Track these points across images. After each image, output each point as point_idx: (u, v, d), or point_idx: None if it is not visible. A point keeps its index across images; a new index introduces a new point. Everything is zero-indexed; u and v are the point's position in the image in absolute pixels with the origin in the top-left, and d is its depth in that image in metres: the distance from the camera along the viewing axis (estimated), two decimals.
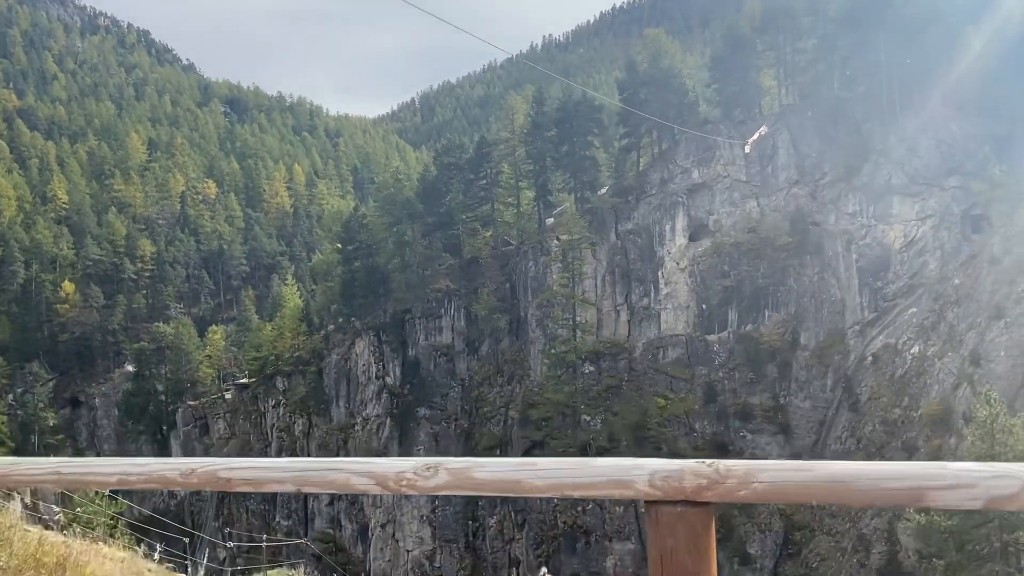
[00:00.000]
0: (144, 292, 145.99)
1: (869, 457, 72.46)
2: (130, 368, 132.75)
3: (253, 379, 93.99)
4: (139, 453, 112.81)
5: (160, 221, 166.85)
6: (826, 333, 79.43)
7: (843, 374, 77.17)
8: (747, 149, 78.73)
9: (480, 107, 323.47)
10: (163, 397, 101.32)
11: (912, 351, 73.78)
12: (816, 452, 77.62)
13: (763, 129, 78.69)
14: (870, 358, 76.69)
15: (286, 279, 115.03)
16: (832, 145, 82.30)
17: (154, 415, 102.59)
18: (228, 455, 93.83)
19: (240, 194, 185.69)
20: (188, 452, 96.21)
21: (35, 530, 13.11)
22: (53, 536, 12.71)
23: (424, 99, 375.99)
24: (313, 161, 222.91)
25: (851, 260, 79.15)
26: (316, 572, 52.28)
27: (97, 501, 19.92)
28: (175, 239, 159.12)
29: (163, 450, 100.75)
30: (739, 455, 77.95)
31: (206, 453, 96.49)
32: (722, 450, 78.02)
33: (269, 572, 23.08)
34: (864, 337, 77.76)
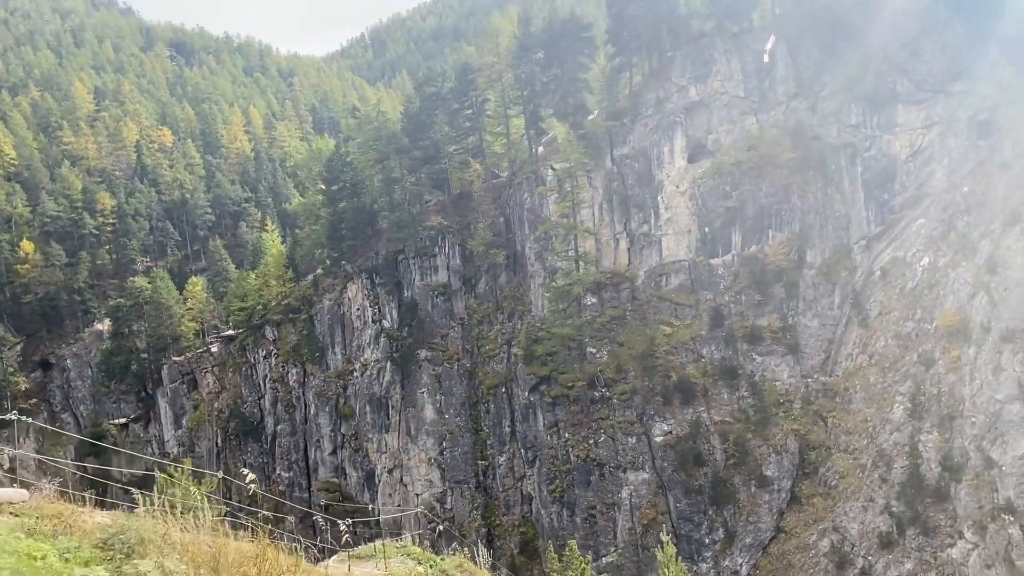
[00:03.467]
0: (107, 247, 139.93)
1: (883, 372, 71.81)
2: (100, 327, 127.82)
3: (240, 330, 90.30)
4: (120, 413, 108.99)
5: (116, 172, 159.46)
6: (832, 250, 77.88)
7: (851, 290, 75.93)
8: (766, 58, 75.57)
9: (434, 39, 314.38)
10: (145, 354, 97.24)
11: (922, 263, 72.57)
12: (826, 370, 76.87)
13: (772, 37, 75.47)
14: (878, 272, 75.43)
15: (265, 225, 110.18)
16: (831, 55, 79.49)
17: (137, 373, 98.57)
18: (220, 409, 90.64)
19: (197, 140, 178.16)
20: (177, 408, 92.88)
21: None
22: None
23: (375, 34, 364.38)
24: (269, 103, 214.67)
25: (856, 173, 77.23)
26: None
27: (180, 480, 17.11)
28: (135, 191, 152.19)
29: (149, 408, 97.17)
30: (749, 378, 76.90)
31: (196, 408, 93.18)
32: (731, 374, 76.90)
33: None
34: (871, 251, 76.38)
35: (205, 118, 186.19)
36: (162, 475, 16.56)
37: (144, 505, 15.95)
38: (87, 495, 12.27)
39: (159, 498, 14.90)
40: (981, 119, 72.40)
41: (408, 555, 20.48)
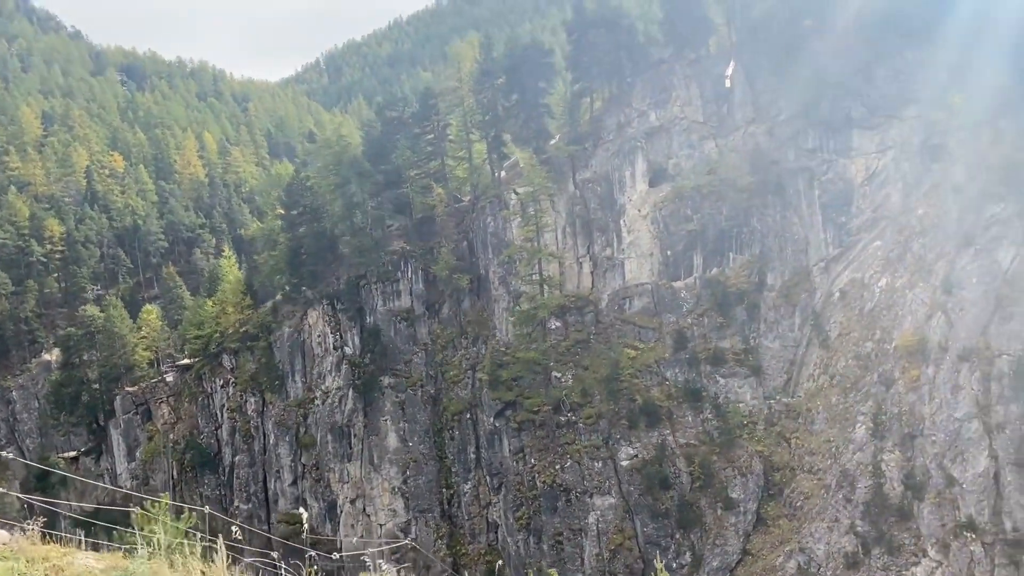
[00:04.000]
0: (56, 275, 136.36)
1: (845, 392, 72.62)
2: (48, 357, 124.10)
3: (196, 359, 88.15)
4: (69, 446, 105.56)
5: (66, 199, 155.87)
6: (791, 272, 78.84)
7: (811, 312, 76.83)
8: (728, 83, 76.59)
9: (390, 65, 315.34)
10: (97, 385, 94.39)
11: (880, 284, 73.78)
12: (788, 391, 77.51)
13: (732, 63, 76.60)
14: (837, 294, 76.50)
15: (222, 251, 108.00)
16: (786, 80, 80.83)
17: (88, 404, 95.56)
18: (176, 441, 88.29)
19: (149, 166, 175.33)
20: (130, 440, 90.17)
21: None
22: None
23: (330, 59, 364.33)
24: (224, 128, 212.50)
25: (813, 197, 78.44)
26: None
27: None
28: (85, 217, 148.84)
29: (101, 440, 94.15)
30: (713, 400, 77.18)
31: (150, 440, 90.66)
32: (695, 396, 77.12)
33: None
34: (830, 273, 77.48)
35: (158, 143, 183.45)
36: (140, 510, 15.68)
37: (121, 542, 15.13)
38: (73, 535, 11.50)
39: (138, 535, 14.06)
40: (933, 143, 74.12)
41: None
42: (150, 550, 13.55)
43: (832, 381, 74.01)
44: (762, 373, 77.55)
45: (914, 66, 75.62)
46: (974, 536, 60.47)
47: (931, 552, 61.80)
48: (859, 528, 65.47)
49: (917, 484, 63.81)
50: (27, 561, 9.71)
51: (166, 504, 15.12)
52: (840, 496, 67.58)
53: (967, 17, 71.36)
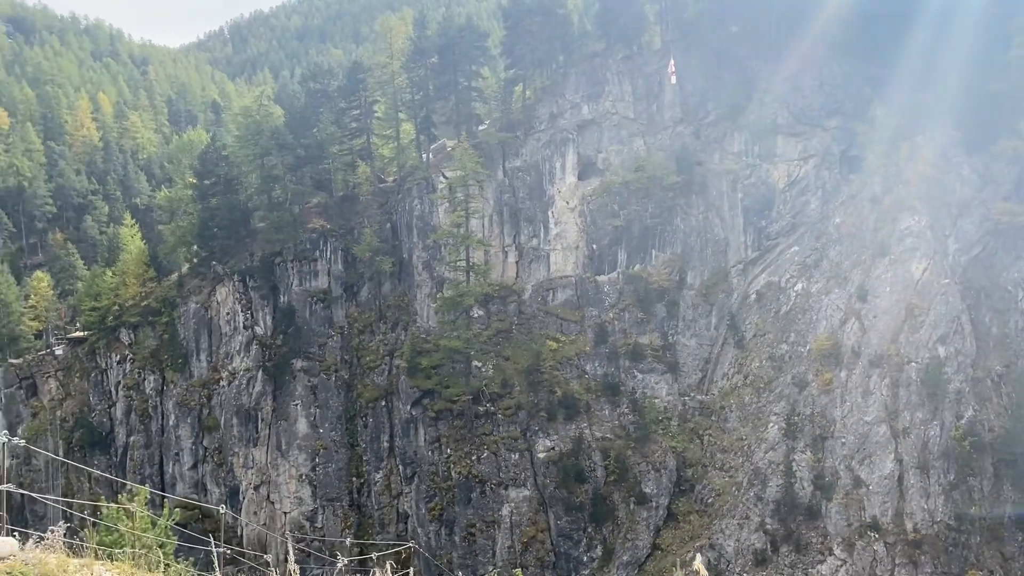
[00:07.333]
0: None
1: (758, 392, 74.13)
2: None
3: (91, 332, 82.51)
4: None
5: None
6: (711, 272, 79.95)
7: (727, 312, 78.13)
8: (673, 79, 76.65)
9: (299, 39, 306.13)
10: None
11: (796, 288, 75.66)
12: (703, 389, 78.68)
13: (672, 60, 76.78)
14: (754, 296, 78.05)
15: (117, 219, 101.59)
16: (716, 83, 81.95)
17: None
18: (63, 418, 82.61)
19: (38, 125, 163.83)
20: (12, 416, 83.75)
21: None
22: None
23: (235, 29, 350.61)
24: (121, 90, 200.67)
25: (736, 199, 79.74)
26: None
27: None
28: None
29: None
30: (631, 395, 77.54)
31: (34, 417, 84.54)
32: (613, 391, 77.31)
33: None
34: (747, 275, 78.97)
35: (47, 101, 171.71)
36: (111, 506, 13.74)
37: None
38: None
39: (111, 532, 12.28)
40: (853, 154, 76.55)
41: None
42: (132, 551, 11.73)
43: (746, 380, 75.46)
44: (678, 370, 78.43)
45: (839, 78, 77.79)
46: (877, 536, 62.76)
47: (836, 551, 63.76)
48: (768, 526, 66.96)
49: (826, 484, 65.73)
50: None
51: (144, 496, 13.26)
52: (751, 494, 68.93)
53: (893, 34, 73.80)
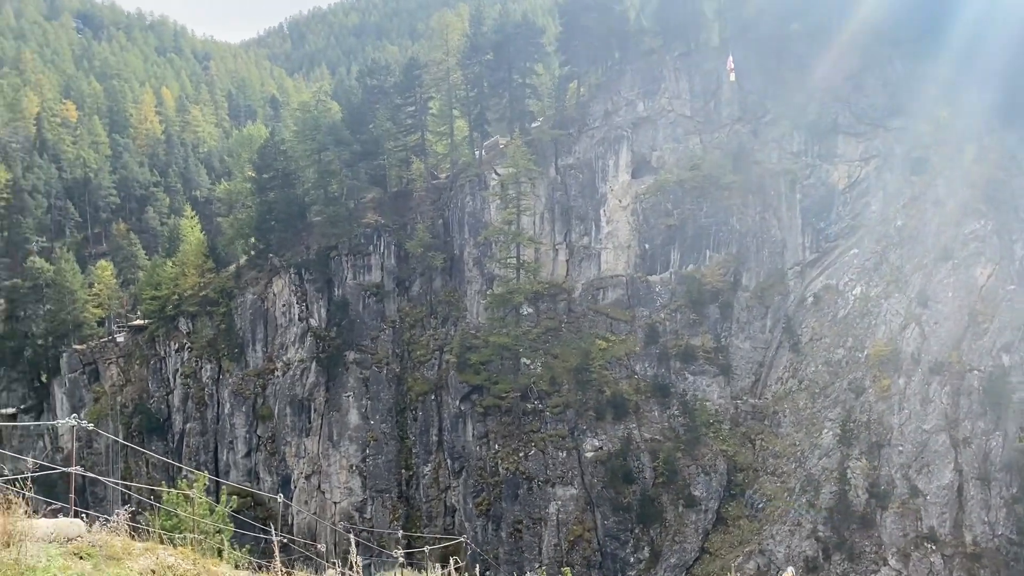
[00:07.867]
0: None
1: (813, 398, 72.79)
2: None
3: (151, 321, 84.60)
4: (9, 402, 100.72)
5: (13, 145, 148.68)
6: (767, 273, 78.71)
7: (783, 315, 76.83)
8: (731, 77, 75.73)
9: (356, 36, 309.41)
10: (42, 340, 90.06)
11: (855, 292, 74.07)
12: (756, 392, 77.51)
13: (731, 57, 75.77)
14: (811, 299, 76.61)
15: (178, 211, 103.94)
16: (775, 81, 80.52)
17: (31, 360, 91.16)
18: (124, 404, 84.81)
19: (104, 118, 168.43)
20: (75, 400, 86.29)
21: None
22: None
23: (293, 25, 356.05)
24: (183, 85, 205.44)
25: (794, 200, 78.33)
26: None
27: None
28: (33, 165, 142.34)
29: (43, 399, 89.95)
30: (681, 397, 76.76)
31: (96, 401, 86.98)
32: (663, 392, 76.62)
33: None
34: (804, 278, 77.54)
35: (114, 95, 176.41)
36: (171, 491, 13.98)
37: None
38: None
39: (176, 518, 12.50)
40: (916, 156, 74.50)
41: None
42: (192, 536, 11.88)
43: (800, 385, 74.15)
44: (731, 372, 77.37)
45: (904, 77, 75.82)
46: (935, 547, 61.19)
47: (891, 561, 62.33)
48: (821, 533, 65.76)
49: (882, 493, 64.29)
50: (109, 559, 7.91)
51: (203, 483, 13.45)
52: (803, 500, 67.75)
53: (960, 33, 71.65)
